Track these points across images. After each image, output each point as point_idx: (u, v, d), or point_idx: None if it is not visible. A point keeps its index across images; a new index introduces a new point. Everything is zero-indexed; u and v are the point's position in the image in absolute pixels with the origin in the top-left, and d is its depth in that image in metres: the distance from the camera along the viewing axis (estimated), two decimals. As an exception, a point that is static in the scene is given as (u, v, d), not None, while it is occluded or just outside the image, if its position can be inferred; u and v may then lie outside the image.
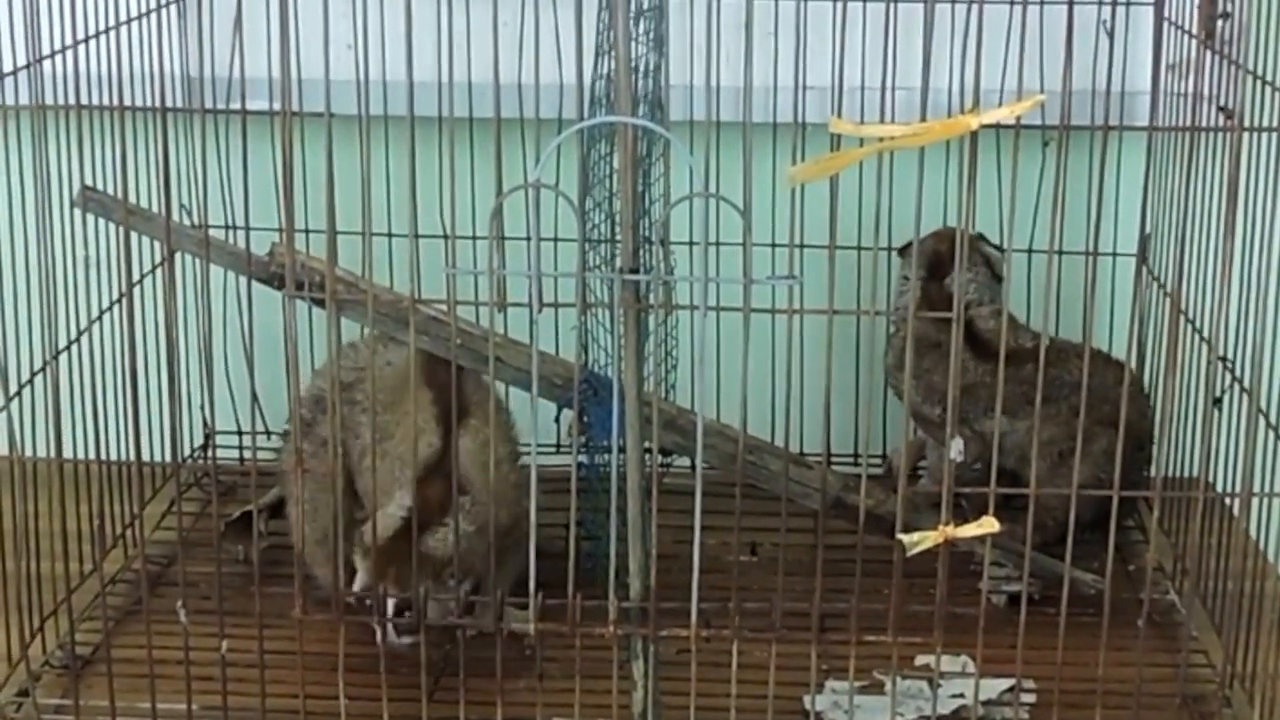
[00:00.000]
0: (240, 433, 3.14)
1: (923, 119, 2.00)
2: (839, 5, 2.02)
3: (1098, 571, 2.61)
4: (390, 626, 2.38)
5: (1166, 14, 2.93)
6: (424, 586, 2.32)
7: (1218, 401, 2.40)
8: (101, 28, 2.52)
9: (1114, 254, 3.01)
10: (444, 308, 2.20)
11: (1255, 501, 2.32)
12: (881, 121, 2.05)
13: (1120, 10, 2.76)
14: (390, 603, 2.38)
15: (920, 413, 2.96)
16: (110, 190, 2.50)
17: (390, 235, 2.80)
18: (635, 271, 2.10)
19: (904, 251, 2.98)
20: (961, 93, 2.07)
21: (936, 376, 2.80)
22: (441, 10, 2.03)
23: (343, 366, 2.54)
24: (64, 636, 2.51)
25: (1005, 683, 2.44)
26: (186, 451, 3.11)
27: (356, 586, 2.45)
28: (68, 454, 2.40)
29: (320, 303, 2.24)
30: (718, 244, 2.42)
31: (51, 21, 2.33)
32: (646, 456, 2.20)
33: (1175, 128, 2.83)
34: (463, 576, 2.40)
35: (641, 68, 2.38)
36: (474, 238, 2.75)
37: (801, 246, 2.10)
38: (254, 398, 2.75)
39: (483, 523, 2.40)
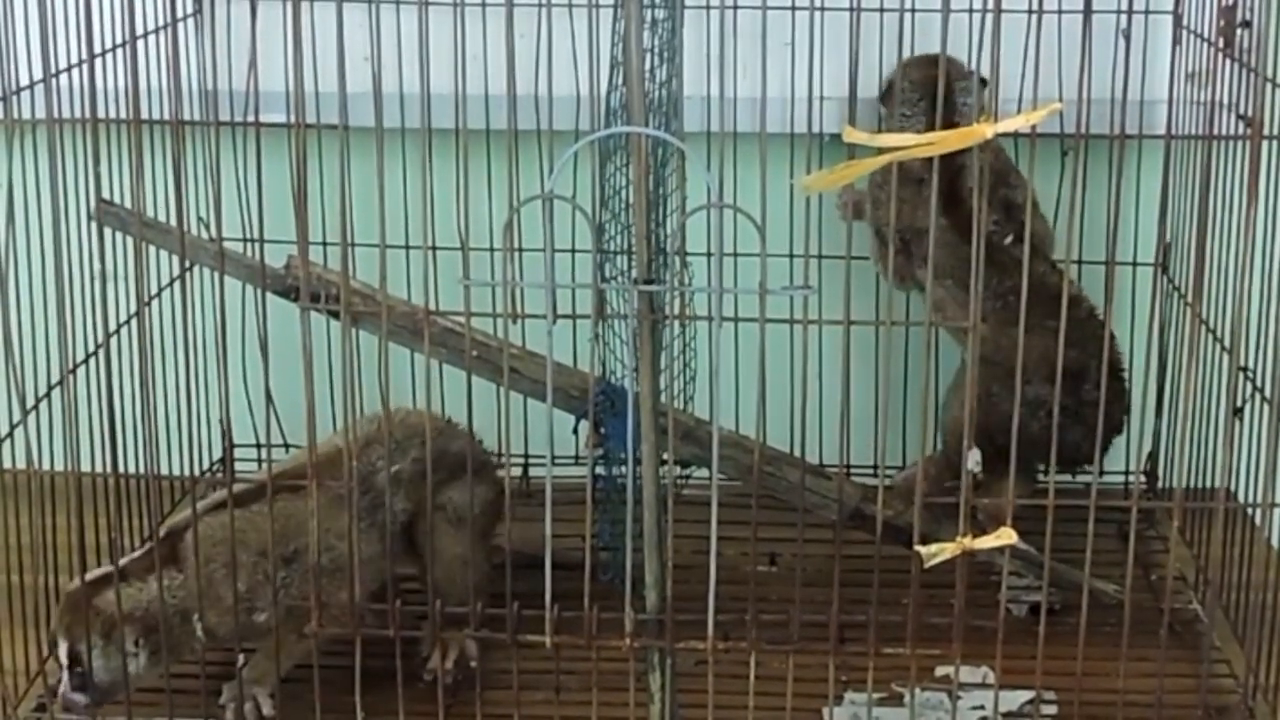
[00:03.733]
0: (259, 446, 3.14)
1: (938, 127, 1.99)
2: (854, 15, 2.01)
3: (1118, 581, 2.60)
4: (65, 679, 2.34)
5: (1185, 22, 2.92)
6: (91, 642, 2.31)
7: (1239, 411, 2.39)
8: (117, 42, 2.52)
9: (1133, 263, 3.00)
10: (460, 319, 2.19)
11: (1277, 512, 2.31)
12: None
13: (1138, 18, 2.74)
14: (63, 651, 2.34)
15: (880, 234, 2.86)
16: (126, 203, 2.50)
17: (406, 247, 2.80)
18: (651, 283, 2.10)
19: (887, 96, 2.86)
20: (978, 101, 2.06)
21: (907, 209, 2.65)
22: (457, 23, 2.04)
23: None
24: (82, 651, 2.51)
25: (1026, 694, 2.42)
26: (205, 464, 3.11)
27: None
28: (85, 468, 2.40)
29: (336, 315, 2.24)
30: (734, 255, 2.41)
31: (67, 36, 2.34)
32: (663, 468, 2.19)
33: (1194, 136, 2.81)
34: (143, 640, 2.35)
35: (656, 79, 2.38)
36: (490, 249, 2.75)
37: (818, 257, 2.09)
38: (268, 403, 2.74)
39: (186, 607, 2.36)
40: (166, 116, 2.57)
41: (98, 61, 2.40)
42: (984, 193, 2.12)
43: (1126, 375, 2.94)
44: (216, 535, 2.39)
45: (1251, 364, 2.43)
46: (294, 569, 2.40)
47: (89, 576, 2.35)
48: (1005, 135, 2.00)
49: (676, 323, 2.42)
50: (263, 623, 2.41)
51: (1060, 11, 2.27)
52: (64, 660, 2.34)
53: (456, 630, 2.42)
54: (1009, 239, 2.77)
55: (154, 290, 2.67)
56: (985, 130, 1.94)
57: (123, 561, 2.36)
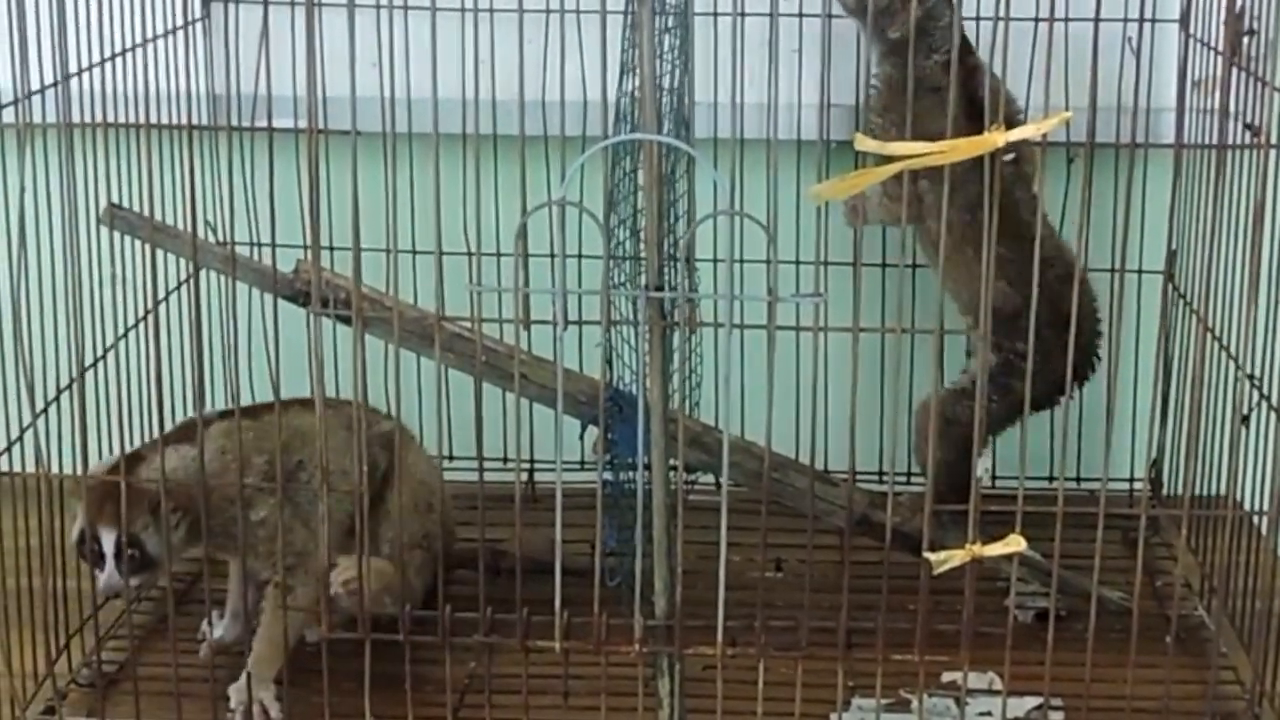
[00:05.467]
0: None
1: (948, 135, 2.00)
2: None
3: (1123, 588, 2.61)
4: (112, 566, 2.38)
5: (1192, 30, 2.92)
6: (143, 523, 2.37)
7: (1245, 419, 2.39)
8: (129, 45, 2.53)
9: (1139, 271, 3.00)
10: (469, 325, 2.20)
11: (1283, 519, 2.31)
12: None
13: (1146, 27, 2.75)
14: (110, 540, 2.38)
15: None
16: (137, 207, 2.51)
17: (415, 252, 2.80)
18: (660, 289, 2.10)
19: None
20: (987, 110, 2.07)
21: (929, 122, 2.32)
22: (466, 28, 2.04)
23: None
24: (90, 653, 2.52)
25: (1033, 700, 2.43)
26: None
27: (74, 532, 2.44)
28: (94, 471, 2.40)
29: (345, 320, 2.24)
30: (742, 261, 2.41)
31: (79, 39, 2.34)
32: (672, 474, 2.19)
33: (1201, 145, 2.82)
34: (182, 514, 2.40)
35: (666, 85, 2.38)
36: (498, 255, 2.76)
37: (826, 264, 2.09)
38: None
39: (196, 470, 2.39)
40: (176, 121, 2.57)
41: (109, 65, 2.41)
42: (995, 189, 2.10)
43: (1079, 329, 2.82)
44: (225, 429, 2.43)
45: (1257, 372, 2.44)
46: (296, 479, 2.46)
47: (102, 466, 2.39)
48: (1015, 143, 2.01)
49: (685, 328, 2.42)
50: (257, 522, 2.44)
51: (1068, 19, 2.28)
52: (110, 550, 2.37)
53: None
54: (1009, 155, 2.73)
55: (162, 294, 2.67)
56: (996, 139, 1.95)
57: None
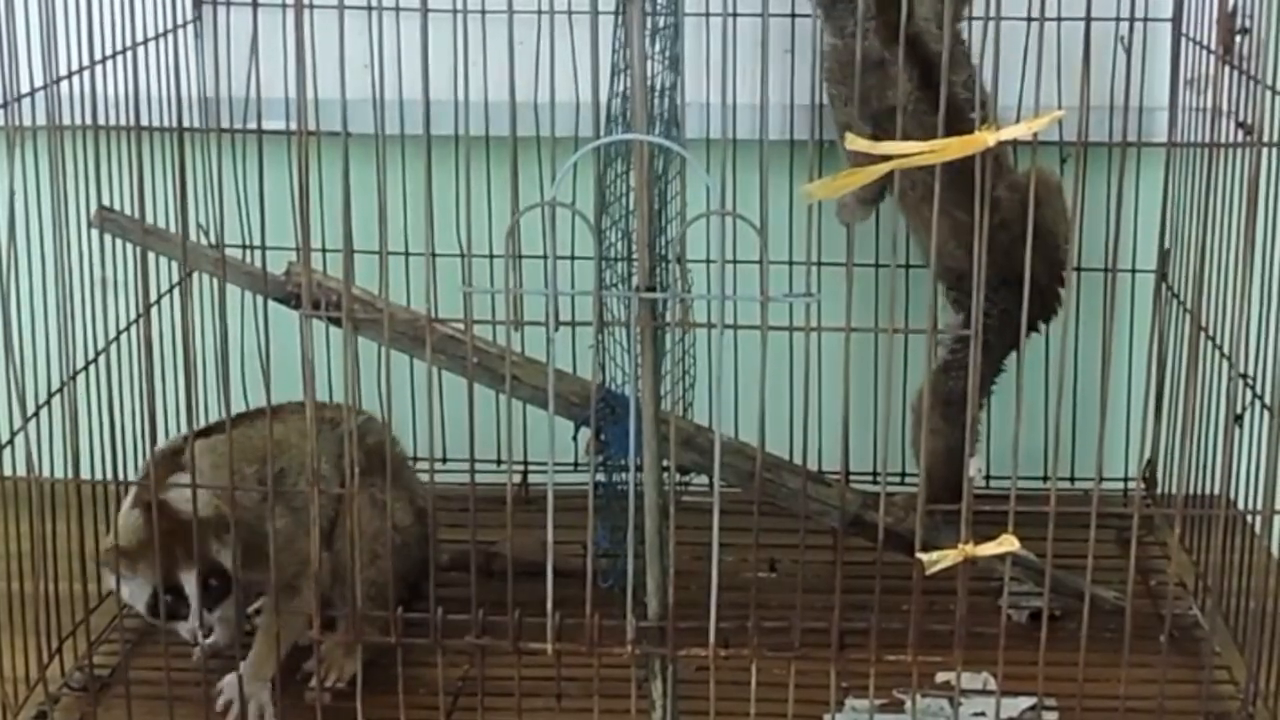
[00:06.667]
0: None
1: (940, 135, 1.99)
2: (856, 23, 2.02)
3: (1117, 588, 2.60)
4: (197, 607, 2.37)
5: (1184, 29, 2.92)
6: (215, 547, 2.35)
7: (1239, 419, 2.39)
8: (118, 48, 2.52)
9: (1133, 270, 3.00)
10: (461, 326, 2.19)
11: (1277, 519, 2.31)
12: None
13: (1138, 26, 2.75)
14: (191, 581, 2.35)
15: (849, 123, 2.59)
16: (127, 210, 2.51)
17: (407, 254, 2.80)
18: (652, 290, 2.10)
19: None
20: (979, 109, 2.06)
21: (875, 100, 2.43)
22: (457, 29, 2.04)
23: None
24: (82, 658, 2.51)
25: (1027, 700, 2.42)
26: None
27: (142, 600, 2.41)
28: (85, 475, 2.40)
29: (337, 322, 2.24)
30: (734, 262, 2.41)
31: (69, 42, 2.34)
32: (664, 475, 2.19)
33: (1194, 143, 2.82)
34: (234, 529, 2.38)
35: (657, 86, 2.38)
36: (490, 256, 2.75)
37: (819, 264, 2.09)
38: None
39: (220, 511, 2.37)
40: (167, 123, 2.57)
41: (98, 68, 2.40)
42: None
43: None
44: (218, 449, 2.42)
45: (1251, 371, 2.43)
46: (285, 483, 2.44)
47: (132, 526, 2.37)
48: (1006, 142, 2.00)
49: (677, 329, 2.42)
50: (277, 531, 2.40)
51: (1060, 19, 2.28)
52: (194, 589, 2.35)
53: (344, 648, 2.48)
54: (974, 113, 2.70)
55: (154, 298, 2.67)
56: (988, 138, 1.94)
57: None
